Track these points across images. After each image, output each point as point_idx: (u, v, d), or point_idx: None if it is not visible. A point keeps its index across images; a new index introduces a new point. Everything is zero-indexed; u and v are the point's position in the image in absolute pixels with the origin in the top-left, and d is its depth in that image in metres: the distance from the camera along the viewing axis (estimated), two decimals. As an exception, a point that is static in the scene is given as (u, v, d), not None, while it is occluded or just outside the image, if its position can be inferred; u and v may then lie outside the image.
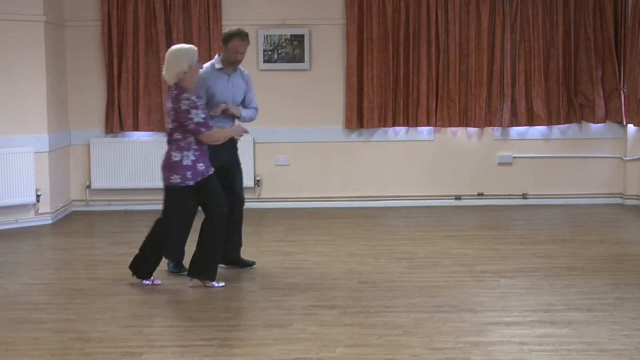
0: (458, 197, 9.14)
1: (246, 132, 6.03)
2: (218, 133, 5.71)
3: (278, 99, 8.97)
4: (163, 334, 4.81)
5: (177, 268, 6.06)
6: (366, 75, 8.84)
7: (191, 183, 5.57)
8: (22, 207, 8.12)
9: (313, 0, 8.95)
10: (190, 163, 5.55)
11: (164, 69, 5.62)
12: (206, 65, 6.08)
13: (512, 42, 8.92)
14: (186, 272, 5.83)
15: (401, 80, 8.90)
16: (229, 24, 8.79)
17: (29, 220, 8.16)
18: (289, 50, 8.91)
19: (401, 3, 8.82)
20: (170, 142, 5.64)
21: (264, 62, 8.90)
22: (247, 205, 8.95)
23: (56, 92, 8.49)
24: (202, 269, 5.71)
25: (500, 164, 9.15)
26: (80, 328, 4.89)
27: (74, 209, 8.94)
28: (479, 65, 8.90)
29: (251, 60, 8.89)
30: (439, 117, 8.96)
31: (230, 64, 6.06)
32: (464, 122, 9.01)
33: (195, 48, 5.69)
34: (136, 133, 8.92)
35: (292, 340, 4.62)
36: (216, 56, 6.15)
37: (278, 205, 9.03)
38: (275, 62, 8.92)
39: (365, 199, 9.08)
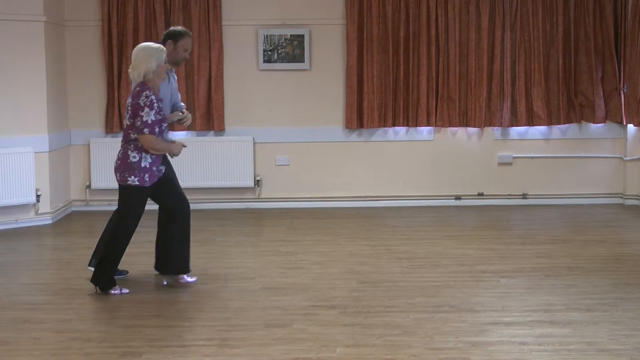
0: (458, 197, 9.14)
1: (184, 146, 5.76)
2: (160, 143, 5.47)
3: (278, 99, 8.98)
4: (163, 334, 4.81)
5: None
6: (366, 75, 8.84)
7: (148, 184, 5.53)
8: (22, 207, 8.12)
9: (313, 0, 8.94)
10: (147, 165, 5.49)
11: (130, 67, 5.52)
12: None
13: (512, 42, 8.93)
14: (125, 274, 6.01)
15: (401, 80, 8.90)
16: (229, 24, 8.83)
17: (29, 220, 8.16)
18: (289, 50, 8.91)
19: (401, 3, 8.82)
20: (127, 141, 5.50)
21: (263, 62, 8.90)
22: (247, 205, 9.05)
23: (56, 92, 8.49)
24: (177, 266, 5.81)
25: (500, 164, 9.16)
26: (80, 328, 4.89)
27: (74, 209, 8.94)
28: (479, 65, 8.90)
29: (251, 60, 8.92)
30: (439, 117, 8.97)
31: (176, 63, 6.01)
32: (464, 122, 9.01)
33: (164, 48, 5.59)
34: (136, 133, 8.92)
35: (292, 340, 4.62)
36: None
37: (278, 205, 9.03)
38: (275, 62, 8.92)
39: (365, 199, 9.08)
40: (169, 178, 5.73)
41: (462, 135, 9.13)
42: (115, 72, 8.75)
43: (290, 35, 8.89)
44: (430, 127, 9.05)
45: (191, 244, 5.88)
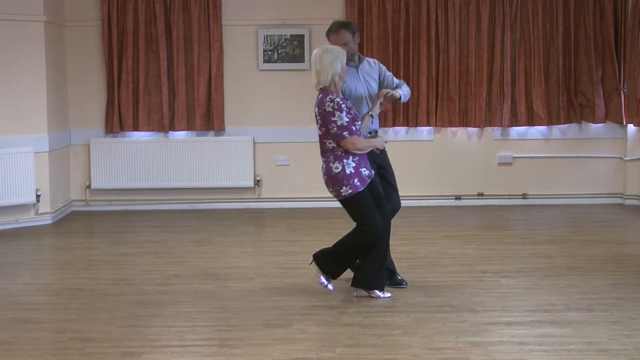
0: (458, 197, 9.14)
1: (386, 142, 5.63)
2: (362, 142, 5.28)
3: (278, 99, 8.98)
4: (163, 334, 4.80)
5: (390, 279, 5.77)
6: (366, 75, 8.83)
7: (362, 188, 5.29)
8: (22, 207, 8.12)
9: (313, 0, 8.95)
10: (352, 171, 5.24)
11: (314, 72, 5.26)
12: None
13: (512, 42, 8.93)
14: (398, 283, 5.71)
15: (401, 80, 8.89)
16: (229, 24, 8.83)
17: (29, 220, 8.16)
18: (289, 50, 8.91)
19: (401, 3, 8.82)
20: (324, 151, 5.29)
21: (263, 62, 8.90)
22: (247, 205, 9.06)
23: (56, 92, 8.49)
24: (368, 279, 5.48)
25: (500, 164, 9.16)
26: (80, 328, 4.89)
27: (74, 209, 8.94)
28: (479, 65, 8.90)
29: (251, 60, 8.93)
30: (439, 117, 8.97)
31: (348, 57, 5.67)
32: (464, 122, 9.01)
33: (343, 50, 5.33)
34: (136, 133, 8.92)
35: (292, 340, 4.62)
36: None
37: (278, 205, 9.03)
38: (275, 62, 8.92)
39: (365, 199, 9.06)
40: (377, 181, 5.50)
41: (462, 135, 9.13)
42: (115, 72, 8.75)
43: (290, 35, 8.89)
44: (430, 127, 9.05)
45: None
